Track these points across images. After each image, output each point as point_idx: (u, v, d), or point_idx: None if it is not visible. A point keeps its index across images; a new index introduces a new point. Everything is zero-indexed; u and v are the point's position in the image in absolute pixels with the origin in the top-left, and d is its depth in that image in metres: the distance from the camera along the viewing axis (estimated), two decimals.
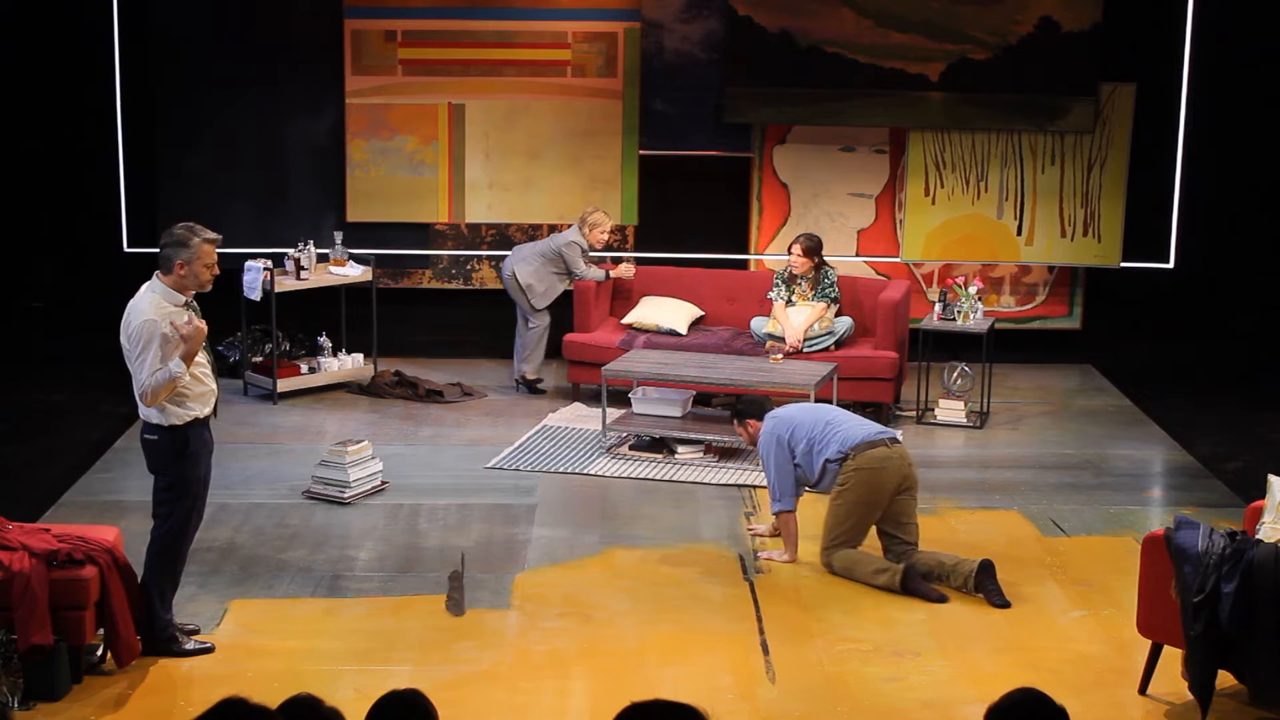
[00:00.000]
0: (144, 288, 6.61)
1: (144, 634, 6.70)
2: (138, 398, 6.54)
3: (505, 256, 11.20)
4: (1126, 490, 9.22)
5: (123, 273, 12.09)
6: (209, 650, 6.80)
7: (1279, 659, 6.00)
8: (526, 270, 10.88)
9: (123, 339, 6.55)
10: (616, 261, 11.71)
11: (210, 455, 6.84)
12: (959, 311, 10.57)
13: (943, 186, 11.83)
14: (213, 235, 6.69)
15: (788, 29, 11.58)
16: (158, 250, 6.62)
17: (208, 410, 6.74)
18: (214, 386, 6.78)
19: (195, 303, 6.69)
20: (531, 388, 10.97)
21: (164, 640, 6.74)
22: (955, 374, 10.44)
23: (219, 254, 6.85)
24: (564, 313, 11.09)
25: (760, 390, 10.03)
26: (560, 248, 10.90)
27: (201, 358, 6.64)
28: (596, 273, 10.97)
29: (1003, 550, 8.15)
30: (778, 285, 10.71)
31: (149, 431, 6.66)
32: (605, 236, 11.04)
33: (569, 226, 11.49)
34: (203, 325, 6.53)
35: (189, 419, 6.63)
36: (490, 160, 11.99)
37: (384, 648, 6.87)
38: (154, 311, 6.48)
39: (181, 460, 6.66)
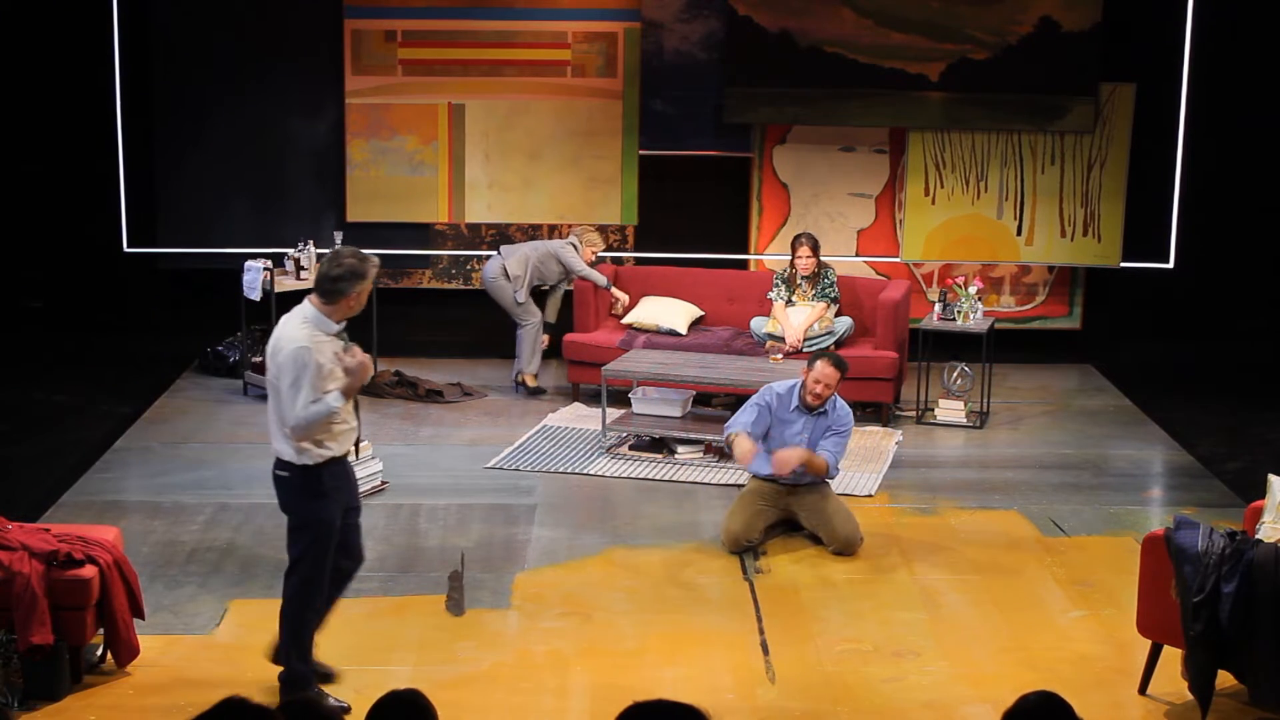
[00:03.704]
0: (295, 312, 6.12)
1: (281, 682, 6.32)
2: (286, 431, 6.03)
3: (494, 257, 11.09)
4: (1126, 490, 9.22)
5: (123, 273, 12.14)
6: (346, 710, 6.16)
7: (1279, 659, 6.00)
8: (515, 261, 10.83)
9: (269, 367, 6.09)
10: (619, 261, 11.74)
11: (348, 493, 6.33)
12: (959, 311, 10.57)
13: (943, 186, 11.83)
14: (377, 260, 6.23)
15: (788, 29, 11.58)
16: (326, 277, 6.05)
17: (345, 449, 6.23)
18: (355, 424, 6.29)
19: (345, 333, 6.19)
20: (530, 391, 10.94)
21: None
22: (955, 374, 10.44)
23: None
24: (565, 312, 11.10)
25: None
26: (556, 250, 10.89)
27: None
28: (599, 276, 10.93)
29: (1003, 550, 8.16)
30: (778, 285, 10.71)
31: (281, 468, 6.15)
32: (593, 257, 11.01)
33: (568, 227, 11.49)
34: (367, 360, 6.07)
35: (325, 459, 6.12)
36: (490, 160, 11.99)
37: (384, 648, 6.87)
38: (307, 340, 5.98)
39: (313, 501, 6.15)
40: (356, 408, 6.30)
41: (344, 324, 6.14)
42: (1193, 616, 6.09)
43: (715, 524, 8.41)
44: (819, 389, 8.06)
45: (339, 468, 6.23)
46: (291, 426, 6.00)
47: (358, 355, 6.05)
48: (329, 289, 6.06)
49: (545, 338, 11.05)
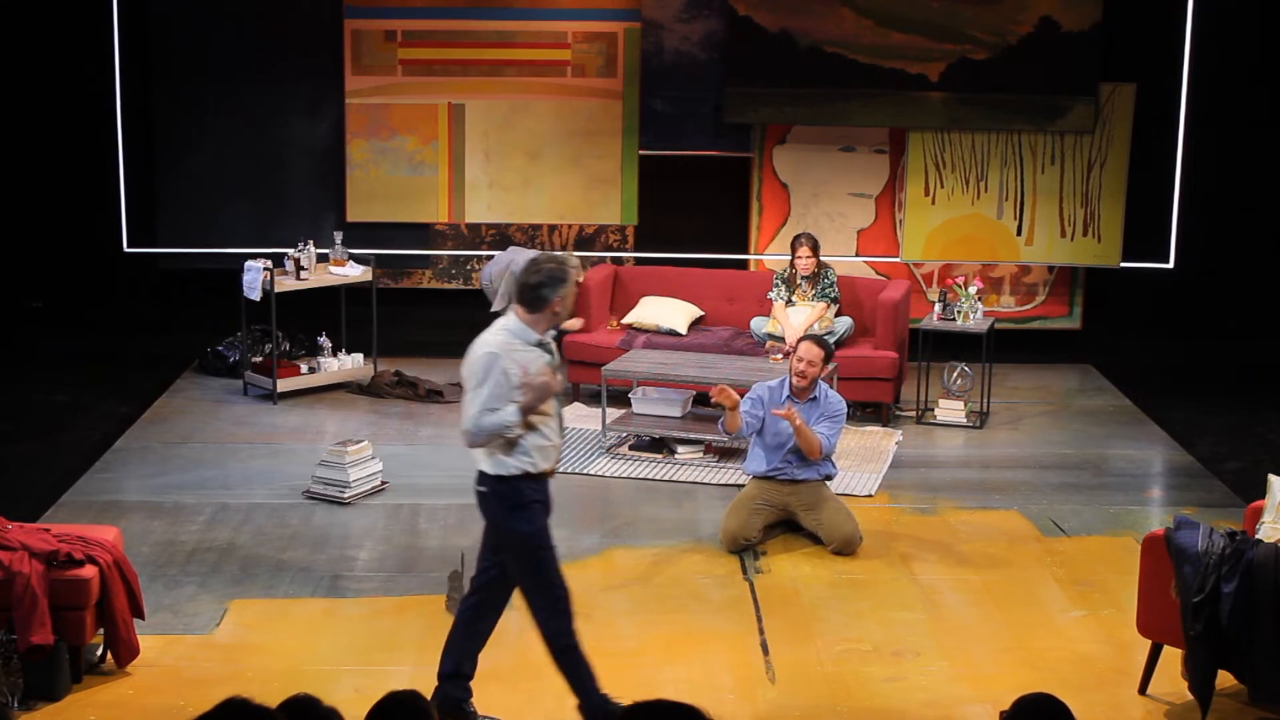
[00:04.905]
0: (497, 322, 6.02)
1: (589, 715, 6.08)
2: (460, 434, 5.99)
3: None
4: (1126, 490, 9.22)
5: (123, 273, 12.14)
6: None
7: (1279, 659, 6.00)
8: (497, 271, 10.63)
9: (464, 372, 5.98)
10: (619, 261, 11.75)
11: (547, 514, 6.07)
12: (959, 311, 10.57)
13: (943, 186, 11.83)
14: (576, 261, 6.12)
15: (788, 29, 11.58)
16: (526, 285, 5.95)
17: (545, 466, 5.97)
18: (558, 442, 6.04)
19: (553, 344, 6.05)
20: None
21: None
22: (955, 374, 10.44)
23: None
24: None
25: None
26: None
27: (550, 407, 5.97)
28: (572, 321, 10.71)
29: (1003, 550, 8.16)
30: (778, 285, 10.71)
31: (480, 482, 5.97)
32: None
33: (568, 227, 11.46)
34: (555, 383, 5.90)
35: (518, 472, 5.90)
36: (490, 160, 11.99)
37: (384, 648, 6.87)
38: (499, 346, 5.89)
39: (514, 513, 5.94)
40: (561, 425, 6.07)
41: (550, 335, 6.00)
42: (1193, 616, 6.09)
43: (715, 524, 8.41)
44: (802, 367, 8.16)
45: (540, 484, 5.98)
46: (464, 430, 5.88)
47: (545, 375, 5.85)
48: (531, 297, 5.93)
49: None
